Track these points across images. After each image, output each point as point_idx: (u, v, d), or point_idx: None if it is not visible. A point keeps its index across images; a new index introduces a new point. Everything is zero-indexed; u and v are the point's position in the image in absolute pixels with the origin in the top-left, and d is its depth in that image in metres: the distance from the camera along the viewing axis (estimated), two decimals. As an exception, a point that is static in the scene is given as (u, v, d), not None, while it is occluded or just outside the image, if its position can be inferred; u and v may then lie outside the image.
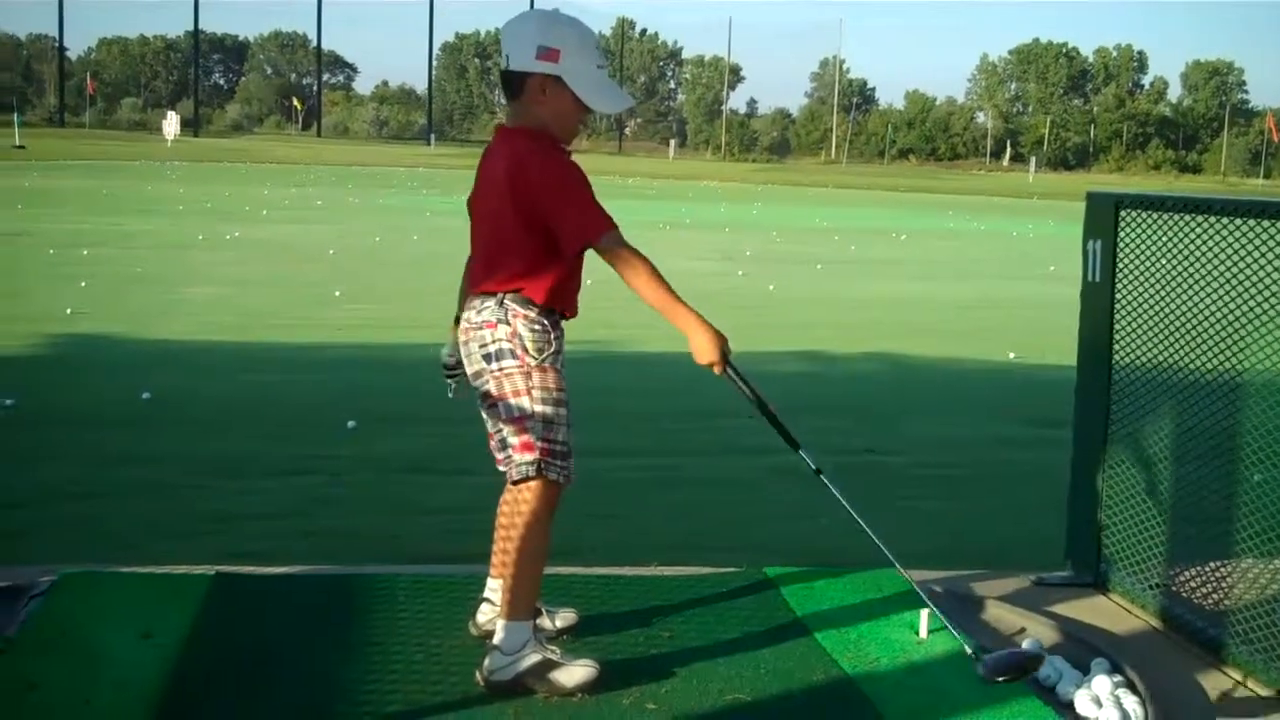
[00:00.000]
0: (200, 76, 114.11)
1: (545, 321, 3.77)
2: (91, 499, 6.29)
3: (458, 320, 3.94)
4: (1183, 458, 4.63)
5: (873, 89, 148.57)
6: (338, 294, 14.29)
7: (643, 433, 8.28)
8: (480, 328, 3.78)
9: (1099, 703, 3.83)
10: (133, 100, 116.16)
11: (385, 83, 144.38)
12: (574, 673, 3.77)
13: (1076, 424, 5.06)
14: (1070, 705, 3.86)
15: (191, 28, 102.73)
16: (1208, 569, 4.57)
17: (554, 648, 3.87)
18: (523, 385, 3.75)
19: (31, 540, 5.62)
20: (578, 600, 4.52)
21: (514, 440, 3.79)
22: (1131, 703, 3.83)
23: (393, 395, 9.12)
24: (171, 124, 70.12)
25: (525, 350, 3.74)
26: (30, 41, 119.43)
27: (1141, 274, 4.70)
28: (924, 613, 4.36)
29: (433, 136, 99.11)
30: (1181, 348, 4.51)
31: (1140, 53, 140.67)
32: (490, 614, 4.08)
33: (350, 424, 7.87)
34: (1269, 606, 4.08)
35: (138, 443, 7.43)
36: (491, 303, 3.76)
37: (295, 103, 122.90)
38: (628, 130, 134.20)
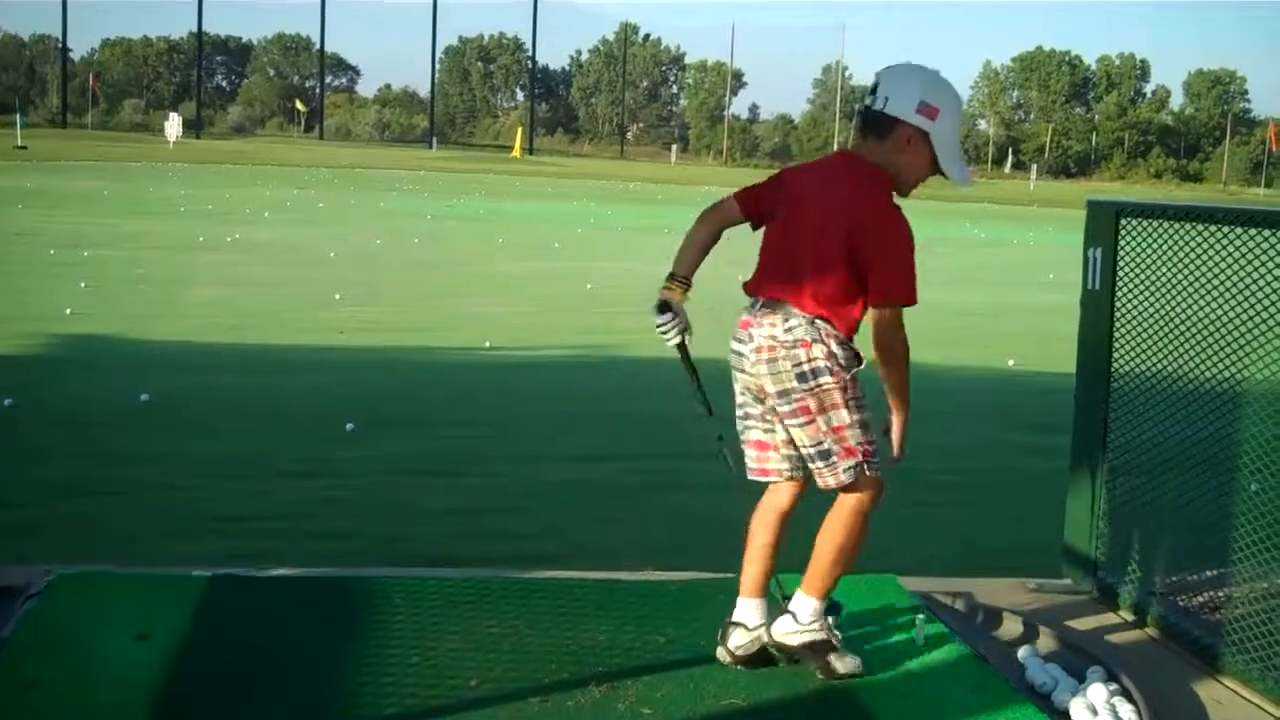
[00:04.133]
0: (203, 78, 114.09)
1: (850, 343, 3.88)
2: (89, 499, 6.30)
3: (674, 278, 4.05)
4: (1180, 466, 4.62)
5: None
6: (338, 296, 14.30)
7: (640, 437, 8.28)
8: (794, 346, 3.83)
9: (1094, 710, 3.83)
10: (135, 101, 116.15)
11: (388, 86, 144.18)
12: (847, 661, 3.99)
13: (1075, 431, 5.05)
14: (1065, 713, 3.86)
15: (195, 29, 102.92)
16: (1204, 578, 4.57)
17: (838, 633, 4.04)
18: (840, 398, 3.84)
19: (29, 540, 5.63)
20: (574, 604, 4.52)
21: (837, 449, 3.87)
22: (1126, 711, 3.83)
23: (393, 398, 9.12)
24: (174, 126, 69.99)
25: (840, 367, 3.83)
26: (33, 42, 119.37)
27: (1141, 282, 4.70)
28: (920, 618, 4.36)
29: (434, 140, 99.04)
30: (1180, 356, 4.51)
31: (1143, 61, 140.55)
32: (745, 639, 4.06)
33: (349, 426, 7.87)
34: (1265, 616, 4.07)
35: (136, 443, 7.43)
36: (802, 321, 3.83)
37: (298, 105, 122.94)
38: (630, 135, 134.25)
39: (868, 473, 3.90)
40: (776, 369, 3.86)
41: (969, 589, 4.78)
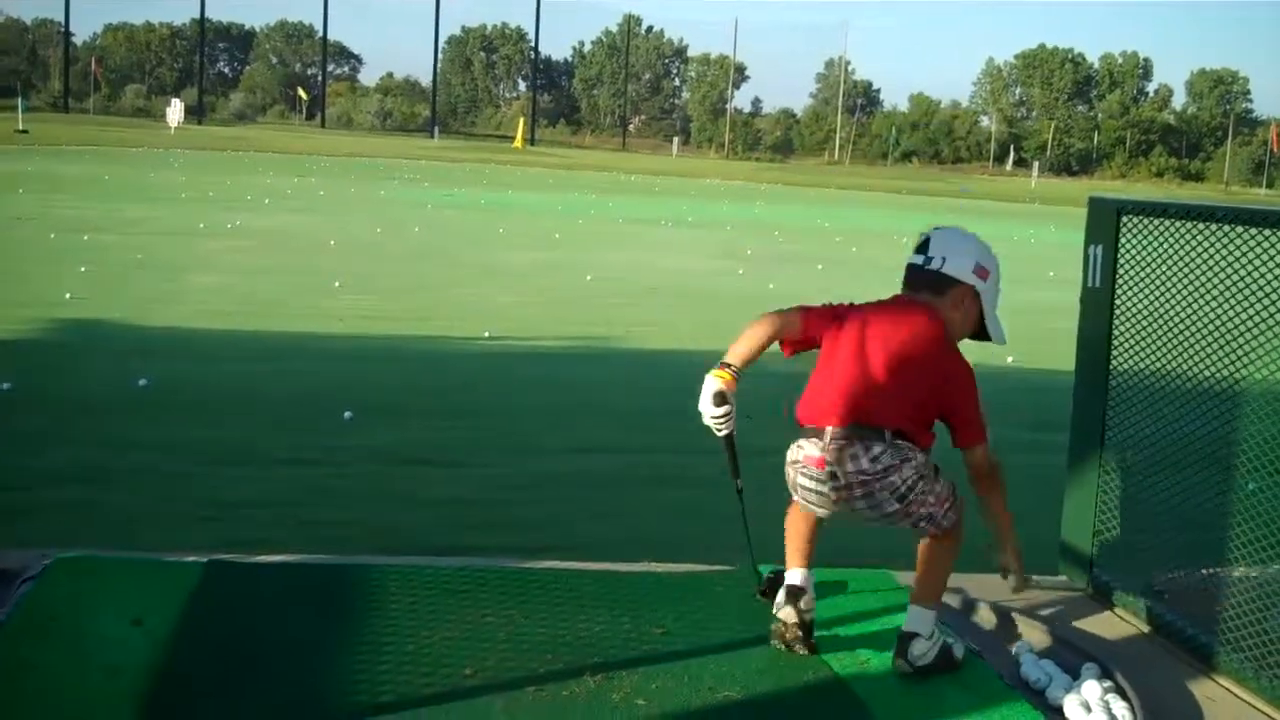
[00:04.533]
0: (205, 65, 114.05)
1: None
2: (86, 484, 6.30)
3: (728, 367, 4.00)
4: (1178, 464, 4.62)
5: (877, 91, 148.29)
6: (338, 285, 14.29)
7: (640, 429, 8.28)
8: (887, 474, 3.90)
9: (1088, 708, 3.84)
10: (137, 87, 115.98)
11: (390, 74, 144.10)
12: (959, 649, 4.13)
13: (1073, 428, 5.06)
14: (1059, 709, 3.87)
15: (198, 16, 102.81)
16: (1200, 576, 4.57)
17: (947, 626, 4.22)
18: (930, 485, 3.98)
19: (25, 524, 5.62)
20: (570, 595, 4.52)
21: (938, 510, 4.00)
22: (1120, 708, 3.83)
23: (392, 387, 9.12)
24: (175, 112, 69.97)
25: (930, 471, 3.99)
26: (36, 26, 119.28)
27: (1142, 280, 4.70)
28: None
29: (436, 129, 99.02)
30: (1179, 354, 4.51)
31: (1145, 60, 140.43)
32: (809, 601, 4.15)
33: (347, 414, 7.87)
34: (1260, 615, 4.08)
35: (134, 429, 7.43)
36: (885, 446, 3.90)
37: (300, 93, 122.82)
38: (632, 126, 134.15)
39: (955, 522, 4.06)
40: (875, 500, 3.94)
41: (964, 585, 4.77)
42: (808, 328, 4.07)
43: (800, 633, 4.12)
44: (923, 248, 4.12)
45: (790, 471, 4.08)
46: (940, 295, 4.05)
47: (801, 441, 4.03)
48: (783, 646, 4.13)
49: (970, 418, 4.03)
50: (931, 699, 3.89)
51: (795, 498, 4.13)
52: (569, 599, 4.49)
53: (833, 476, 3.93)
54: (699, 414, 4.05)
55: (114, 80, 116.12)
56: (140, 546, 4.91)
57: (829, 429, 3.94)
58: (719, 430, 4.05)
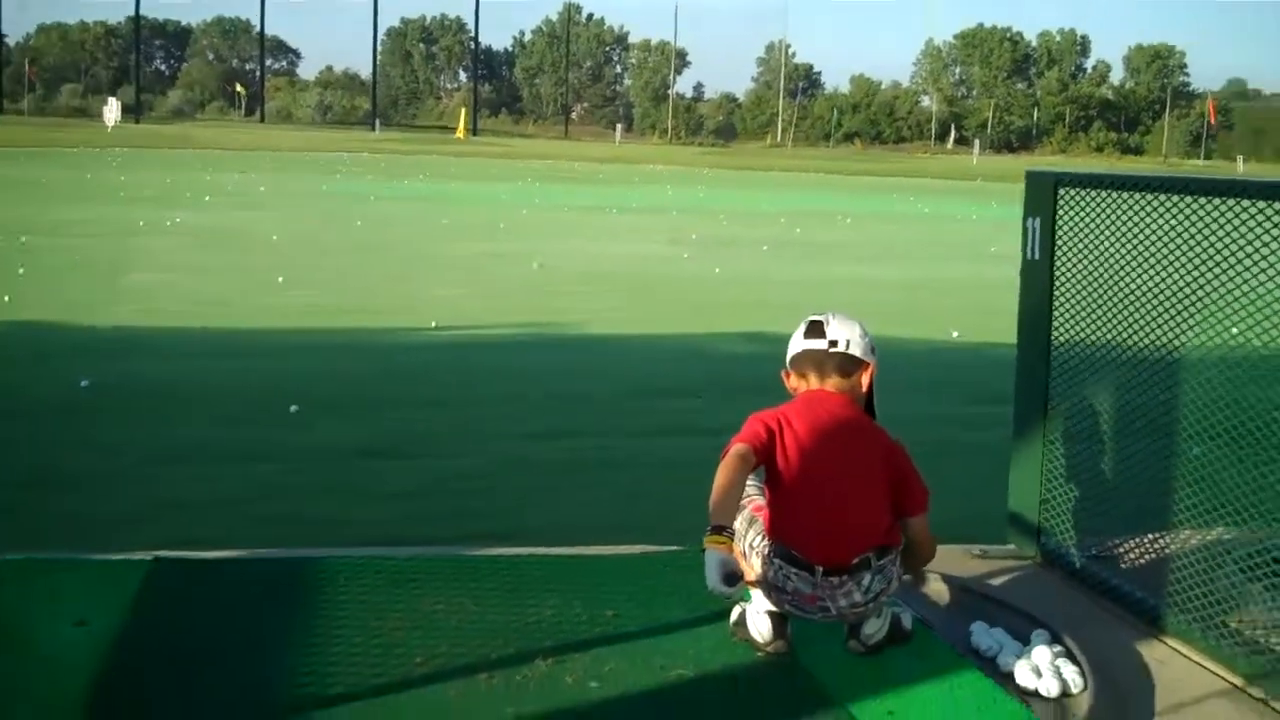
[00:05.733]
0: (142, 62, 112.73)
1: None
2: (29, 487, 6.21)
3: (719, 530, 3.67)
4: (1122, 432, 4.67)
5: (818, 73, 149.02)
6: (281, 280, 14.18)
7: (590, 415, 8.27)
8: (878, 597, 3.99)
9: (1038, 673, 3.87)
10: (73, 86, 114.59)
11: (329, 68, 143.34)
12: (907, 619, 4.19)
13: (1016, 399, 5.09)
14: (1010, 676, 3.89)
15: (133, 14, 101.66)
16: (1146, 541, 4.62)
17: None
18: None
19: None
20: (521, 580, 4.51)
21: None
22: (1071, 672, 3.87)
23: (339, 381, 9.06)
24: (112, 110, 69.26)
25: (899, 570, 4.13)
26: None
27: (1080, 252, 4.74)
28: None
29: (377, 122, 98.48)
30: (1120, 324, 4.54)
31: (1083, 36, 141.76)
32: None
33: (292, 408, 7.81)
34: (1205, 576, 4.12)
35: (77, 430, 7.34)
36: (874, 575, 3.97)
37: (238, 88, 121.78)
38: (574, 115, 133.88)
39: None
40: (864, 616, 4.02)
41: (914, 557, 4.79)
42: (759, 452, 3.99)
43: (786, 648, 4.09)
44: (818, 332, 4.17)
45: (773, 596, 4.01)
46: (847, 377, 4.16)
47: (787, 568, 3.96)
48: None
49: (915, 484, 4.11)
50: (883, 671, 3.90)
51: (769, 602, 4.03)
52: (520, 585, 4.47)
53: (824, 610, 3.98)
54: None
55: (49, 80, 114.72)
56: (86, 548, 4.84)
57: (819, 569, 3.93)
58: (729, 601, 4.04)
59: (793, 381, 4.22)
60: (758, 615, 4.06)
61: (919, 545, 4.18)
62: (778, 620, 4.04)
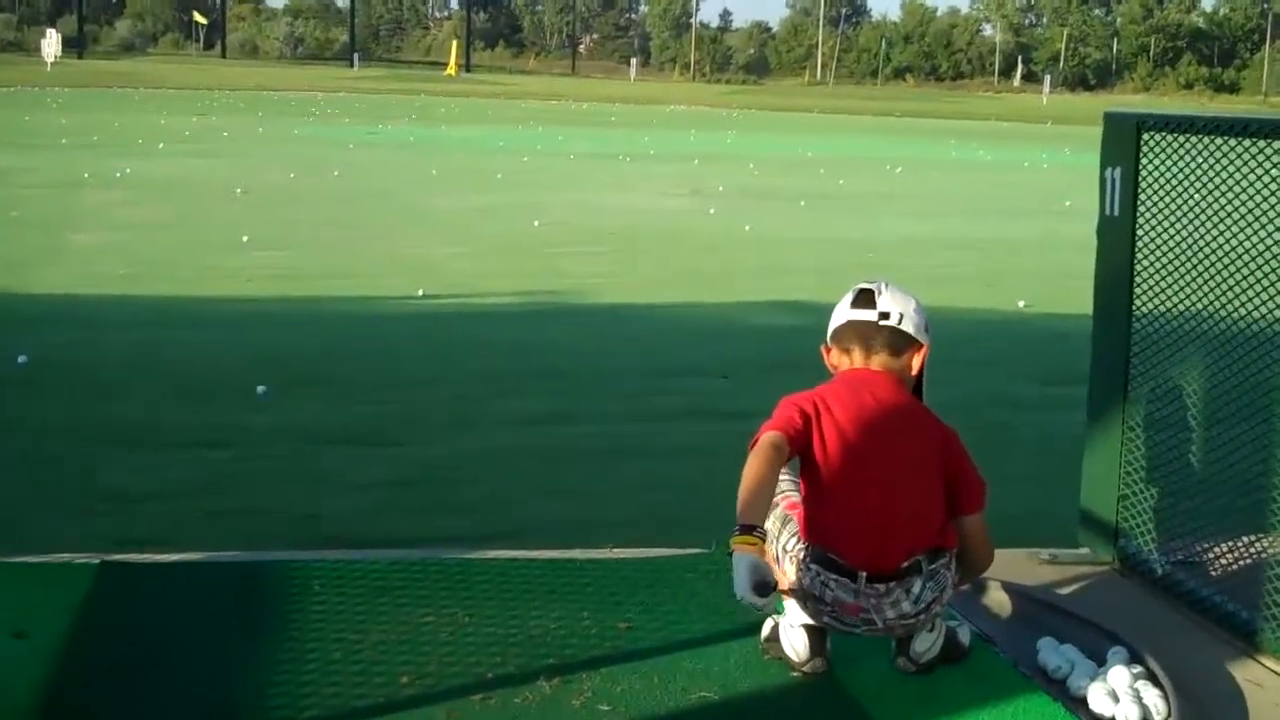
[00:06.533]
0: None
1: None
2: (-42, 477, 6.24)
3: (748, 530, 3.66)
4: (1213, 418, 4.65)
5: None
6: (246, 239, 14.19)
7: (597, 395, 8.27)
8: (930, 609, 3.99)
9: (1115, 697, 3.86)
10: (6, 16, 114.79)
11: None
12: (965, 634, 4.22)
13: (1092, 380, 5.07)
14: (1083, 701, 3.89)
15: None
16: (1240, 544, 4.61)
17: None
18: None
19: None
20: (521, 587, 4.52)
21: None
22: (1153, 696, 3.86)
23: (311, 356, 9.07)
24: (52, 43, 69.36)
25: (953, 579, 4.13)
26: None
27: (1167, 207, 4.71)
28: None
29: (356, 57, 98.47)
30: (1212, 291, 4.52)
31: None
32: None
33: (260, 389, 7.83)
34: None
35: (13, 409, 7.37)
36: (924, 581, 3.97)
37: (196, 17, 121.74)
38: (582, 48, 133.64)
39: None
40: (913, 629, 4.01)
41: (973, 562, 4.79)
42: (794, 441, 3.97)
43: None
44: (867, 302, 4.16)
45: (810, 607, 4.00)
46: (896, 356, 4.15)
47: (825, 573, 3.96)
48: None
49: (972, 476, 4.12)
50: (936, 693, 3.90)
51: (806, 614, 4.03)
52: (520, 592, 4.49)
53: (869, 622, 3.96)
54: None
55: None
56: (26, 547, 4.86)
57: (861, 575, 3.92)
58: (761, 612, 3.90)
59: (833, 358, 4.21)
60: (792, 630, 4.06)
61: (976, 546, 4.17)
62: (815, 635, 4.03)
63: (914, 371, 4.17)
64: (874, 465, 3.97)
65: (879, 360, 4.13)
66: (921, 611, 3.96)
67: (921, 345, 4.16)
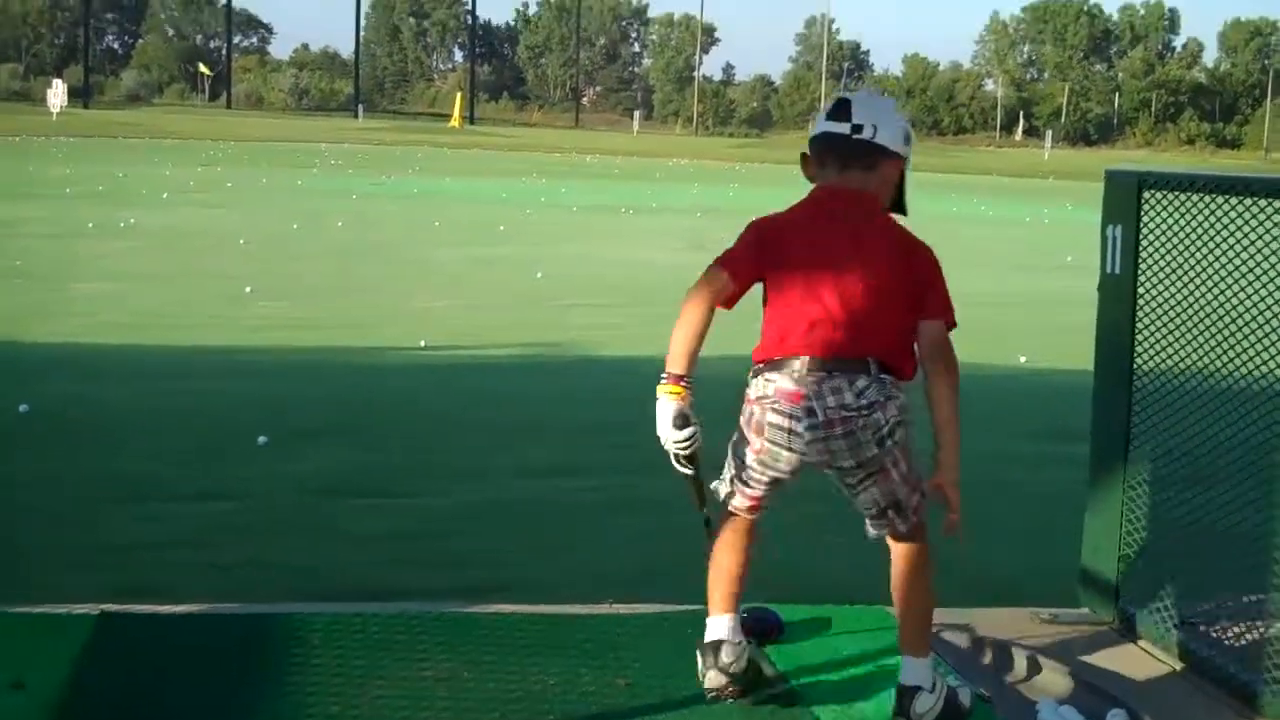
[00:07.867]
0: (91, 39, 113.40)
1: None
2: (-42, 528, 6.24)
3: (680, 380, 3.89)
4: (1215, 476, 4.64)
5: (866, 52, 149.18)
6: (249, 290, 14.22)
7: (596, 448, 8.26)
8: (871, 411, 3.87)
9: (1116, 758, 3.85)
10: (13, 66, 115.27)
11: (306, 46, 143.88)
12: (966, 695, 4.17)
13: (1094, 438, 5.07)
14: (1083, 761, 3.87)
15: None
16: (1242, 605, 4.59)
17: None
18: (907, 442, 4.01)
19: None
20: (521, 642, 4.51)
21: (911, 497, 4.05)
22: (1154, 758, 3.84)
23: (313, 407, 9.08)
24: (58, 93, 69.54)
25: (909, 420, 3.98)
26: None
27: (1168, 264, 4.72)
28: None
29: (361, 108, 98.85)
30: (1213, 349, 4.53)
31: (1172, 10, 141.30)
32: (735, 653, 4.07)
33: (261, 439, 7.83)
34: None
35: (14, 461, 7.36)
36: (870, 380, 3.88)
37: (201, 69, 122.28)
38: (585, 100, 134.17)
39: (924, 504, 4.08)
40: (856, 440, 3.88)
41: (971, 620, 4.79)
42: (739, 276, 3.99)
43: (735, 689, 4.07)
44: (842, 114, 4.02)
45: (755, 410, 3.96)
46: (871, 170, 4.03)
47: (769, 374, 3.93)
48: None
49: (941, 289, 4.03)
50: (937, 753, 3.89)
51: (757, 443, 3.98)
52: (519, 648, 4.47)
53: (810, 413, 3.86)
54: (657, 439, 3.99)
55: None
56: (25, 598, 4.85)
57: (804, 359, 3.87)
58: (683, 454, 3.95)
59: (810, 169, 4.14)
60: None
61: (935, 350, 3.99)
62: (709, 650, 4.07)
63: (887, 184, 4.08)
64: (828, 279, 3.91)
65: (854, 177, 4.03)
66: (864, 410, 3.84)
67: (899, 157, 4.06)
